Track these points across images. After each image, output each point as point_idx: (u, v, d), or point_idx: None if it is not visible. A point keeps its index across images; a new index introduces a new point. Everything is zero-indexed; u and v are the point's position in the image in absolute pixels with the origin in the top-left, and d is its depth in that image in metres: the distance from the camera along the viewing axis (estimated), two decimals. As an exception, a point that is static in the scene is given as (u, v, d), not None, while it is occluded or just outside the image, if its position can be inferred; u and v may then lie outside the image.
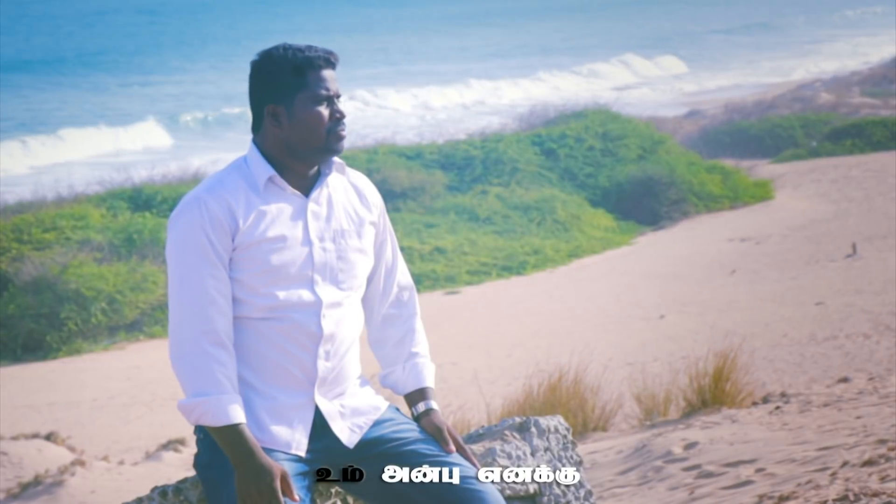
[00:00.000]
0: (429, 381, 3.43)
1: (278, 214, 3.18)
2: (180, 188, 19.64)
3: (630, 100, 33.60)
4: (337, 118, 3.22)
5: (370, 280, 3.39)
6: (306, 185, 3.24)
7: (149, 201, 19.25)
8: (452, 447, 3.29)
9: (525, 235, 19.86)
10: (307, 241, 3.19)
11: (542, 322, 14.56)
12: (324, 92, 3.21)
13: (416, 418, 3.37)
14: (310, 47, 3.24)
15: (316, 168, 3.26)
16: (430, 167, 22.10)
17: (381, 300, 3.42)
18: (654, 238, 20.35)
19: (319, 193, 3.24)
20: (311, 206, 3.22)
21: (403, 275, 3.45)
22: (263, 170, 3.19)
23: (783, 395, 8.33)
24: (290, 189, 3.20)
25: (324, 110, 3.20)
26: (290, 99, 3.19)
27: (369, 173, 20.55)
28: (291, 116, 3.19)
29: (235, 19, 73.16)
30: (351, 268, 3.25)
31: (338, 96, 3.24)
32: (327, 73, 3.23)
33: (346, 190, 3.31)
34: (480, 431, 3.69)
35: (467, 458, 3.30)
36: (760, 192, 22.01)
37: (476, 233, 19.78)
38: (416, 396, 3.41)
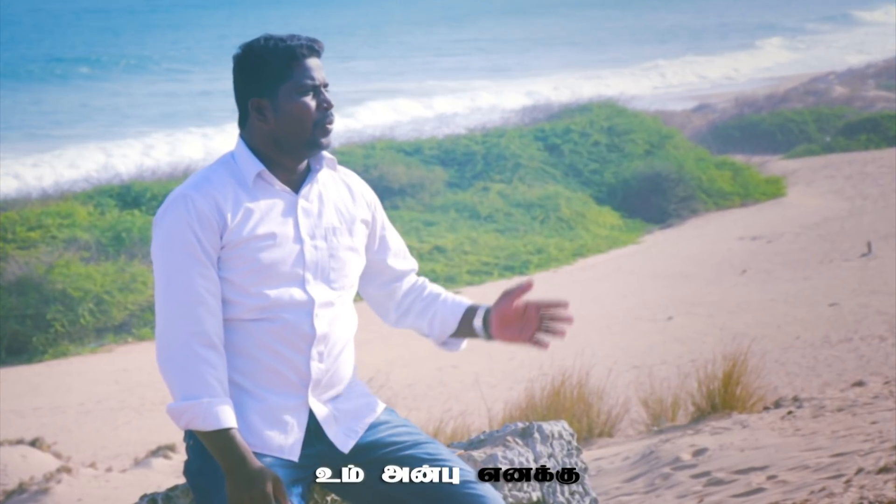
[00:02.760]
0: (466, 301, 3.50)
1: (268, 211, 3.18)
2: (170, 185, 19.63)
3: (636, 92, 33.56)
4: (324, 108, 3.21)
5: (380, 272, 3.43)
6: (296, 181, 3.24)
7: (137, 198, 19.25)
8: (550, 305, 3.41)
9: (528, 234, 19.86)
10: (298, 239, 3.19)
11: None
12: (309, 82, 3.20)
13: (486, 322, 3.43)
14: (292, 36, 3.23)
15: (306, 163, 3.26)
16: (429, 163, 22.10)
17: (399, 289, 3.48)
18: (661, 237, 20.35)
19: (310, 190, 3.24)
20: (302, 202, 3.22)
21: (411, 259, 3.52)
22: (252, 165, 3.19)
23: (795, 399, 8.33)
24: (279, 185, 3.20)
25: (310, 101, 3.20)
26: (274, 91, 3.19)
27: (366, 169, 20.57)
28: (276, 109, 3.19)
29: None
30: (342, 266, 3.25)
31: (325, 85, 3.23)
32: (312, 62, 3.22)
33: (336, 187, 3.31)
34: (482, 437, 3.69)
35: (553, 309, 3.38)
36: (772, 189, 22.01)
37: (477, 231, 19.78)
38: (468, 318, 3.47)
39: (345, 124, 29.26)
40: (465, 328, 3.47)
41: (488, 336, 3.45)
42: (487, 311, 3.43)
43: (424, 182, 21.20)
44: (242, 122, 3.25)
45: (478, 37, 58.48)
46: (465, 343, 3.54)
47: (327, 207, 3.25)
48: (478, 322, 3.44)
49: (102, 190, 19.69)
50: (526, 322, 3.41)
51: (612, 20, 64.80)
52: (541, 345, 3.42)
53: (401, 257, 3.47)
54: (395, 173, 21.07)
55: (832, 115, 26.81)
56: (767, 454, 6.60)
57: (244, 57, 3.22)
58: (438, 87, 41.25)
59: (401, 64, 48.88)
